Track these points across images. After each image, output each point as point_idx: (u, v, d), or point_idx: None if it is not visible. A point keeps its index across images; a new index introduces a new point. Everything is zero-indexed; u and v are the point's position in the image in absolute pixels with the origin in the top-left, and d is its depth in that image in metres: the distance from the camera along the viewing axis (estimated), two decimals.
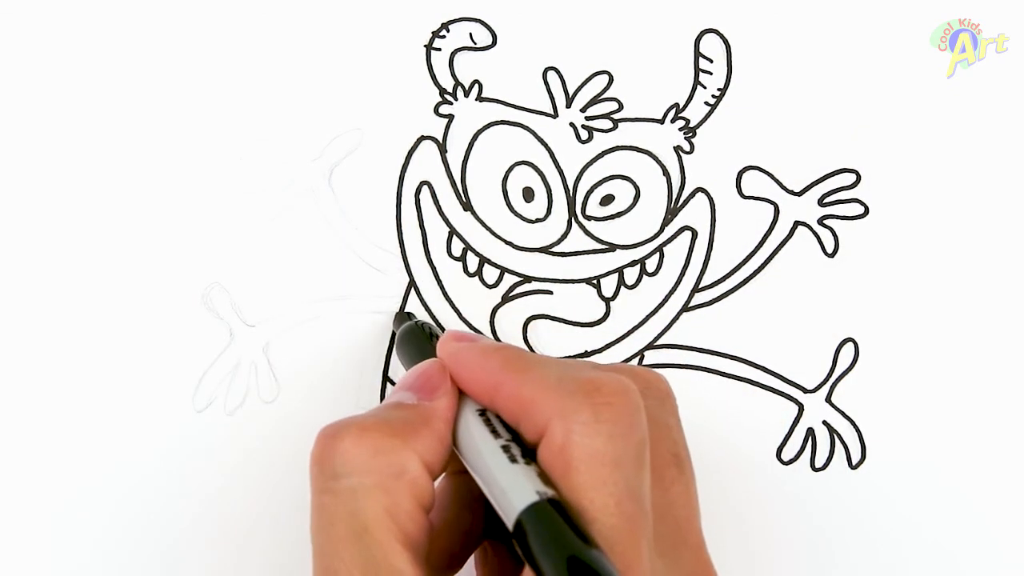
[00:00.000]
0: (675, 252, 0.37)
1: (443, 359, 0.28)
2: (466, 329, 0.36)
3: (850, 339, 0.37)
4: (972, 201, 0.37)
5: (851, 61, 0.37)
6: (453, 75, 0.37)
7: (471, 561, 0.29)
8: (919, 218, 0.37)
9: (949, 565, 0.37)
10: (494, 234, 0.37)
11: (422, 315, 0.36)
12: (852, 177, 0.37)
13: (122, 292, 0.36)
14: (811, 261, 0.37)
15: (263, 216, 0.36)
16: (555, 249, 0.37)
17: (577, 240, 0.37)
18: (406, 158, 0.37)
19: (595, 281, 0.37)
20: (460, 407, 0.27)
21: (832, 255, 0.37)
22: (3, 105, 0.36)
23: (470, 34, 0.37)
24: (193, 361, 0.36)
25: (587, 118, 0.37)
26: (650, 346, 0.37)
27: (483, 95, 0.37)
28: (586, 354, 0.37)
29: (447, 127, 0.37)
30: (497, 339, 0.36)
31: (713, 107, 0.37)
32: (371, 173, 0.37)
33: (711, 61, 0.37)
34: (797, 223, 0.37)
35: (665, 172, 0.37)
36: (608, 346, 0.37)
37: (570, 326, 0.37)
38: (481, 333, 0.36)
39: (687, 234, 0.37)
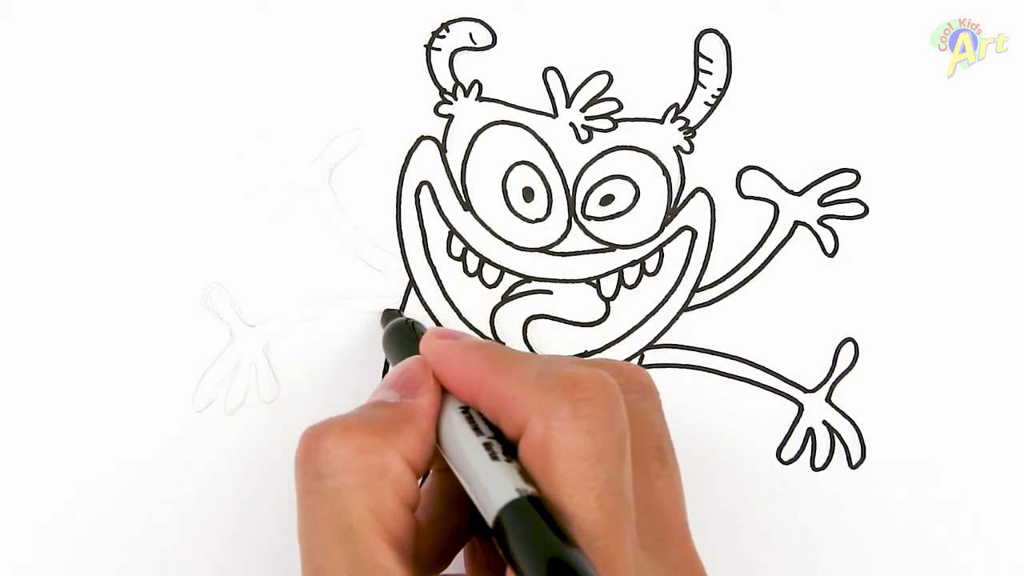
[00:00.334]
0: (675, 252, 0.37)
1: (426, 357, 0.28)
2: (466, 329, 0.36)
3: (850, 339, 0.37)
4: (972, 201, 0.37)
5: (851, 61, 0.37)
6: (453, 75, 0.37)
7: (460, 556, 0.29)
8: (919, 218, 0.37)
9: (949, 565, 0.37)
10: (494, 234, 0.37)
11: (422, 315, 0.36)
12: (852, 177, 0.37)
13: (122, 292, 0.36)
14: (811, 261, 0.37)
15: (263, 216, 0.36)
16: (555, 249, 0.37)
17: (577, 240, 0.37)
18: (406, 158, 0.37)
19: (595, 281, 0.37)
20: (443, 405, 0.27)
21: (832, 255, 0.37)
22: (3, 105, 0.36)
23: (470, 34, 0.37)
24: (193, 361, 0.36)
25: (587, 118, 0.37)
26: (650, 346, 0.37)
27: (483, 95, 0.37)
28: (586, 354, 0.37)
29: (447, 127, 0.37)
30: (497, 339, 0.37)
31: (713, 107, 0.37)
32: (371, 173, 0.37)
33: (711, 61, 0.37)
34: (797, 223, 0.37)
35: (665, 172, 0.37)
36: (608, 346, 0.37)
37: (570, 326, 0.37)
38: (481, 333, 0.37)
39: (687, 234, 0.37)
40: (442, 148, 0.37)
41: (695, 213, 0.37)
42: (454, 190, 0.37)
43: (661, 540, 0.25)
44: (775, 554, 0.36)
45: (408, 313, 0.36)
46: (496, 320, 0.37)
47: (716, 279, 0.37)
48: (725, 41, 0.37)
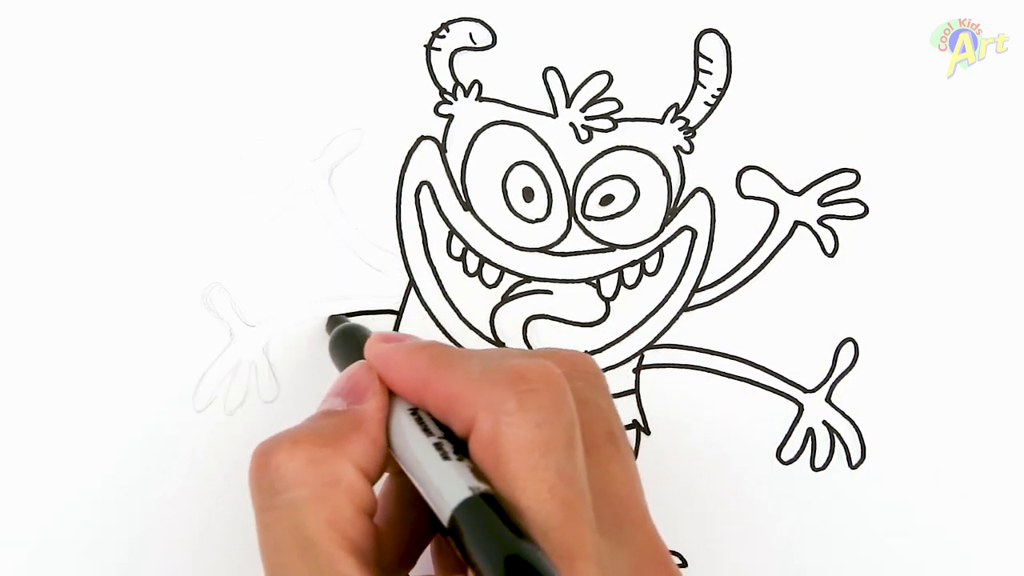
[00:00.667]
0: (675, 252, 0.37)
1: (371, 361, 0.28)
2: (466, 329, 0.36)
3: (850, 339, 0.37)
4: (972, 201, 0.37)
5: (851, 61, 0.37)
6: (453, 75, 0.37)
7: (428, 556, 0.29)
8: (919, 218, 0.37)
9: (949, 565, 0.37)
10: (494, 234, 0.37)
11: (422, 315, 0.36)
12: (852, 177, 0.37)
13: (122, 292, 0.36)
14: (811, 261, 0.37)
15: (263, 216, 0.36)
16: (555, 249, 0.37)
17: (577, 240, 0.37)
18: (406, 158, 0.37)
19: (595, 281, 0.37)
20: (392, 408, 0.27)
21: (832, 255, 0.37)
22: (3, 105, 0.36)
23: (470, 34, 0.37)
24: (193, 361, 0.36)
25: (587, 118, 0.37)
26: (650, 346, 0.37)
27: (483, 95, 0.37)
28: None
29: (447, 127, 0.37)
30: (497, 339, 0.37)
31: (713, 107, 0.37)
32: (371, 173, 0.37)
33: (711, 61, 0.37)
34: (797, 223, 0.37)
35: (665, 172, 0.37)
36: (608, 346, 0.37)
37: (570, 326, 0.37)
38: (481, 333, 0.37)
39: (687, 234, 0.37)
40: (442, 148, 0.37)
41: (695, 213, 0.37)
42: (454, 190, 0.37)
43: (620, 524, 0.25)
44: (775, 554, 0.36)
45: (408, 313, 0.36)
46: (496, 320, 0.37)
47: (716, 279, 0.37)
48: (725, 41, 0.37)
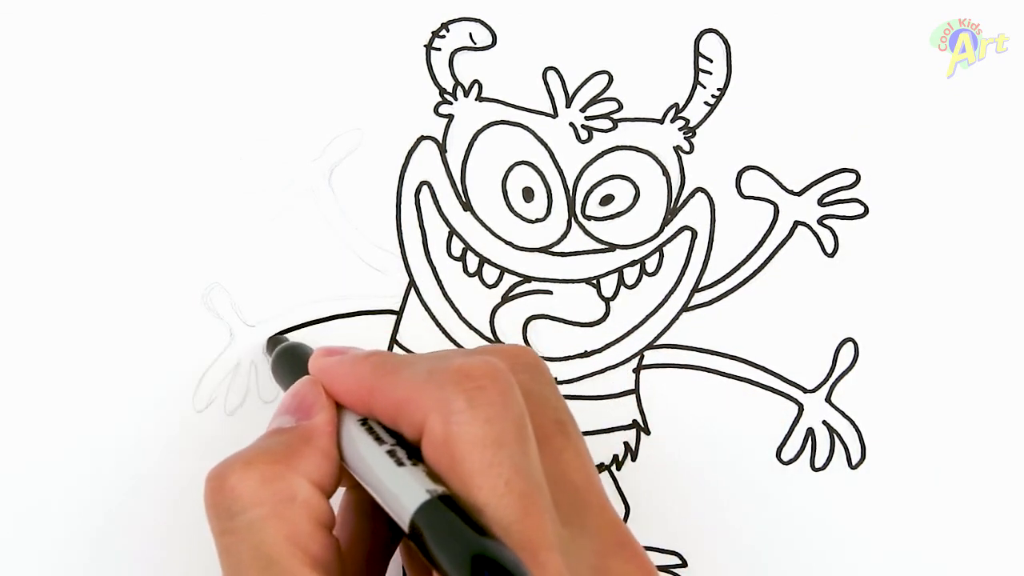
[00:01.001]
0: (675, 252, 0.37)
1: (315, 375, 0.28)
2: (466, 329, 0.36)
3: (850, 339, 0.37)
4: (972, 201, 0.37)
5: (851, 61, 0.37)
6: (453, 75, 0.37)
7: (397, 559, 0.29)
8: (919, 218, 0.37)
9: (949, 565, 0.37)
10: (494, 234, 0.37)
11: (422, 315, 0.36)
12: (852, 177, 0.37)
13: (122, 292, 0.36)
14: (811, 261, 0.37)
15: (263, 216, 0.36)
16: (555, 249, 0.37)
17: (577, 240, 0.37)
18: (406, 158, 0.37)
19: (595, 281, 0.37)
20: (341, 420, 0.27)
21: (832, 255, 0.37)
22: (3, 105, 0.36)
23: (470, 34, 0.37)
24: (193, 361, 0.36)
25: (587, 118, 0.37)
26: (650, 346, 0.37)
27: (483, 95, 0.37)
28: (586, 354, 0.37)
29: (447, 127, 0.37)
30: (497, 339, 0.37)
31: (713, 107, 0.37)
32: (371, 173, 0.37)
33: (711, 61, 0.37)
34: (797, 223, 0.37)
35: (665, 172, 0.37)
36: (608, 346, 0.37)
37: (570, 326, 0.37)
38: (481, 333, 0.37)
39: (687, 234, 0.37)
40: (442, 148, 0.37)
41: (695, 213, 0.37)
42: (454, 190, 0.37)
43: (579, 511, 0.25)
44: (774, 554, 0.36)
45: (408, 313, 0.36)
46: (496, 320, 0.37)
47: (716, 279, 0.37)
48: (725, 41, 0.37)
